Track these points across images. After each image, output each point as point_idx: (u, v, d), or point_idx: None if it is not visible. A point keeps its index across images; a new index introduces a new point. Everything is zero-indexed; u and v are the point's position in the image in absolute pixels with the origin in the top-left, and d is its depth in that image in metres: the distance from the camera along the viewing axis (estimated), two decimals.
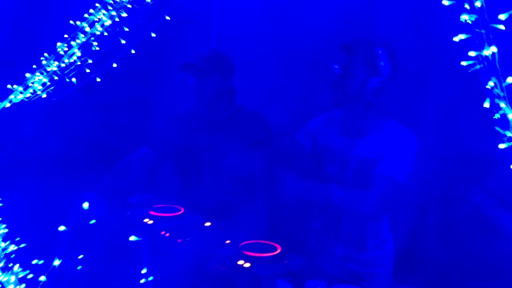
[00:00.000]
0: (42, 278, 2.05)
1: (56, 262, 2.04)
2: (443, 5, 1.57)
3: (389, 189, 2.02)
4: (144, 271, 1.83)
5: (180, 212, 2.34)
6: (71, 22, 2.86)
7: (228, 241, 2.09)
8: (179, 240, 2.05)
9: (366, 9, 2.91)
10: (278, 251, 1.99)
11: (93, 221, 2.09)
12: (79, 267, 2.12)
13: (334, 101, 2.23)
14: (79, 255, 2.12)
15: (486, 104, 1.44)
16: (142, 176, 2.60)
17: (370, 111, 2.14)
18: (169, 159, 2.74)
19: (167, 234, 2.11)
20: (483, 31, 1.52)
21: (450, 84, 2.29)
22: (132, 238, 1.90)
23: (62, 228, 2.03)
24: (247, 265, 1.86)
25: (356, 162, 2.14)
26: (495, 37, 1.51)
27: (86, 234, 2.08)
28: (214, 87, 2.61)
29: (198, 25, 3.54)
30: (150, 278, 1.83)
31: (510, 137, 1.34)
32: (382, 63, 2.07)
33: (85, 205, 2.10)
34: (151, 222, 2.21)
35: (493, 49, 1.50)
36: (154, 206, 2.38)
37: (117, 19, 2.83)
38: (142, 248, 1.86)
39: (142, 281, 1.82)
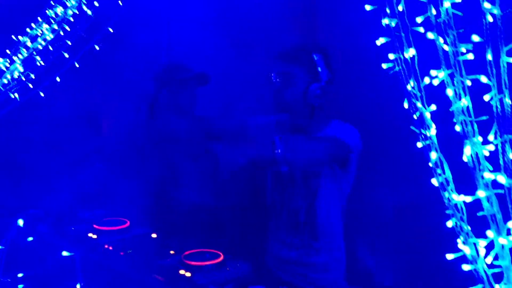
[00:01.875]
0: None
1: None
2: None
3: (336, 143, 2.01)
4: (78, 286, 1.81)
5: (125, 225, 2.32)
6: (13, 37, 2.83)
7: (172, 252, 2.08)
8: (121, 253, 2.02)
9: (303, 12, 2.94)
10: (221, 259, 1.98)
11: (30, 239, 2.06)
12: (21, 286, 2.09)
13: (279, 109, 2.25)
14: (19, 274, 2.09)
15: (405, 105, 1.48)
16: (94, 191, 2.57)
17: (315, 114, 2.18)
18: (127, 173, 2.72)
19: (110, 248, 2.08)
20: (402, 34, 1.57)
21: (377, 87, 2.34)
22: (65, 253, 1.88)
23: None
24: (188, 274, 1.86)
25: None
26: (414, 40, 1.56)
27: (23, 252, 2.05)
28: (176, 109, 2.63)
29: (146, 37, 3.53)
30: None
31: (426, 135, 1.38)
32: (319, 69, 2.11)
33: (20, 222, 2.07)
34: (95, 236, 2.18)
35: (412, 51, 1.54)
36: (101, 220, 2.35)
37: (61, 33, 2.81)
38: (75, 263, 1.84)
39: None
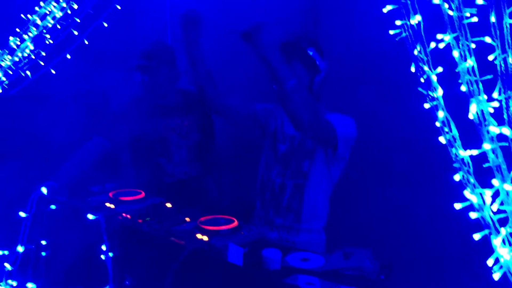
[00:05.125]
0: (7, 265, 2.10)
1: (20, 249, 2.09)
2: None
3: (327, 124, 2.11)
4: (103, 247, 1.90)
5: (141, 196, 2.40)
6: (22, 16, 2.87)
7: (187, 219, 2.16)
8: (140, 221, 2.11)
9: None
10: (236, 224, 2.07)
11: (53, 207, 2.14)
12: (43, 253, 2.18)
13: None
14: (42, 241, 2.17)
15: (412, 69, 1.56)
16: (97, 165, 2.63)
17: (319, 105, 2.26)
18: (125, 148, 2.79)
19: (129, 216, 2.17)
20: (408, 1, 1.63)
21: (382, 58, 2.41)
22: (90, 216, 1.96)
23: (22, 214, 2.09)
24: (205, 238, 1.94)
25: (300, 140, 2.25)
26: (419, 7, 1.62)
27: (47, 219, 2.14)
28: (163, 80, 2.68)
29: (152, 13, 3.58)
30: (110, 254, 1.90)
31: (433, 97, 1.46)
32: (318, 63, 2.19)
33: (44, 190, 2.15)
34: (112, 206, 2.27)
35: (418, 17, 1.61)
36: (115, 191, 2.43)
37: (68, 11, 2.86)
38: (100, 226, 1.93)
39: (102, 257, 1.89)
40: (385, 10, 1.66)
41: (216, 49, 3.14)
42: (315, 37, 2.24)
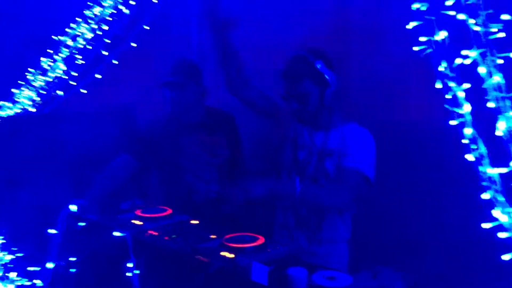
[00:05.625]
0: (38, 282, 2.14)
1: (50, 265, 2.13)
2: None
3: (358, 182, 2.10)
4: (130, 265, 1.92)
5: (167, 213, 2.42)
6: (54, 37, 2.97)
7: (213, 236, 2.16)
8: (166, 238, 2.12)
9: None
10: (261, 241, 2.06)
11: (82, 224, 2.18)
12: (73, 270, 2.21)
13: (303, 122, 2.32)
14: (72, 257, 2.20)
15: (438, 85, 1.54)
16: (126, 182, 2.66)
17: (332, 113, 2.25)
18: (153, 165, 2.81)
19: (156, 233, 2.18)
20: (433, 17, 1.62)
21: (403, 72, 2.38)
22: (116, 233, 1.98)
23: (52, 231, 2.13)
24: (231, 256, 1.94)
25: (321, 151, 2.24)
26: (445, 23, 1.61)
27: (76, 236, 2.17)
28: (191, 96, 2.71)
29: (178, 32, 3.64)
30: (136, 272, 1.91)
31: (459, 113, 1.43)
32: (327, 77, 2.16)
33: (73, 207, 2.19)
34: (140, 223, 2.29)
35: (444, 33, 1.59)
36: (143, 209, 2.45)
37: (99, 32, 2.94)
38: (127, 243, 1.95)
39: (129, 274, 1.90)
40: (409, 27, 1.65)
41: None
42: (322, 50, 2.19)
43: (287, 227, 2.36)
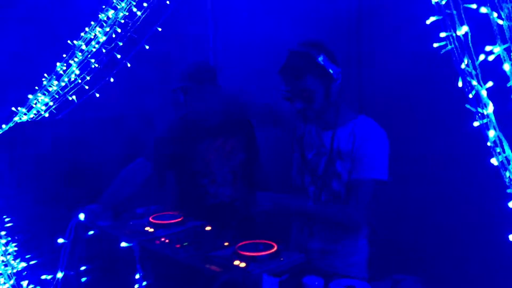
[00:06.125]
0: None
1: (59, 275, 2.10)
2: None
3: (375, 191, 1.98)
4: (137, 276, 1.86)
5: (180, 219, 2.36)
6: (69, 41, 2.95)
7: (226, 243, 2.10)
8: (178, 246, 2.06)
9: None
10: (274, 249, 1.98)
11: (91, 232, 2.14)
12: (84, 279, 2.17)
13: (307, 120, 2.23)
14: (82, 266, 2.17)
15: (460, 84, 1.43)
16: (141, 187, 2.62)
17: (339, 109, 2.13)
18: (169, 169, 2.77)
19: (167, 241, 2.12)
20: (454, 11, 1.52)
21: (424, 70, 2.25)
22: (123, 244, 1.93)
23: (61, 240, 2.09)
24: (243, 265, 1.87)
25: (330, 152, 2.13)
26: (467, 17, 1.50)
27: (86, 245, 2.13)
28: (205, 100, 2.65)
29: (194, 34, 3.60)
30: (144, 283, 1.85)
31: (483, 114, 1.32)
32: (331, 70, 2.04)
33: (81, 216, 2.15)
34: (152, 230, 2.24)
35: (465, 28, 1.49)
36: (155, 215, 2.41)
37: (113, 35, 2.91)
38: (135, 254, 1.89)
39: (136, 287, 1.85)
40: (428, 22, 1.55)
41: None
42: (322, 43, 2.02)
43: (303, 224, 2.27)
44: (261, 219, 2.58)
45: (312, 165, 2.20)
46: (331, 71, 2.01)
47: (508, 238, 1.15)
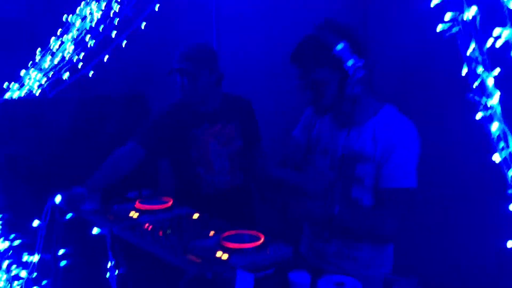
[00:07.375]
0: (23, 274, 2.04)
1: (35, 258, 2.02)
2: None
3: (406, 201, 1.80)
4: (109, 264, 1.77)
5: (167, 205, 2.26)
6: (64, 17, 2.85)
7: (212, 233, 1.99)
8: (160, 233, 1.96)
9: None
10: (260, 241, 1.87)
11: (69, 216, 2.05)
12: (63, 263, 2.09)
13: (319, 114, 2.05)
14: (61, 250, 2.09)
15: (464, 71, 1.30)
16: (131, 171, 2.53)
17: (358, 104, 1.92)
18: (162, 155, 2.67)
19: (149, 228, 2.03)
20: None
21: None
22: (95, 231, 1.84)
23: (36, 223, 2.01)
24: (225, 256, 1.76)
25: (346, 155, 1.95)
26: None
27: (64, 229, 2.05)
28: (203, 84, 2.54)
29: (196, 15, 3.48)
30: (116, 272, 1.76)
31: (486, 105, 1.19)
32: (349, 63, 1.81)
33: (57, 199, 2.06)
34: (136, 215, 2.15)
35: (473, 10, 1.35)
36: (143, 199, 2.32)
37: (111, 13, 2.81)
38: (107, 241, 1.80)
39: (107, 275, 1.75)
40: (432, 4, 1.42)
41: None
42: (346, 27, 1.77)
43: (315, 229, 2.12)
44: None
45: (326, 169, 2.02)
46: (350, 62, 1.79)
47: (508, 240, 1.03)
